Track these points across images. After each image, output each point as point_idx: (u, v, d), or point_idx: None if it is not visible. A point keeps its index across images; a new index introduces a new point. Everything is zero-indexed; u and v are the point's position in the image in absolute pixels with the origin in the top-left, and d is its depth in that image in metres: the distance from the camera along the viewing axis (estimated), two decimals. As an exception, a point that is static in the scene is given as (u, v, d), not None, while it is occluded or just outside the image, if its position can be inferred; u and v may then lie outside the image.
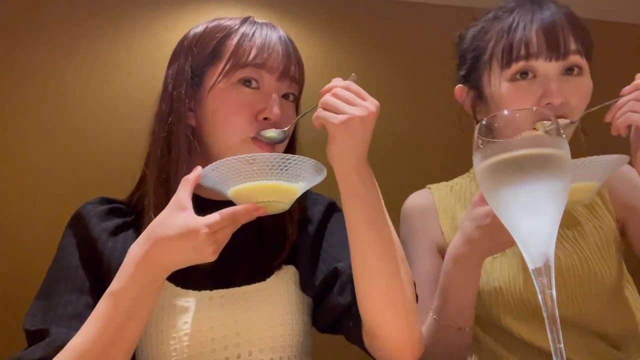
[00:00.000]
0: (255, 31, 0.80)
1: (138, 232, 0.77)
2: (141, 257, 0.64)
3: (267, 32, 0.80)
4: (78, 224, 0.81)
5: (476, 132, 0.54)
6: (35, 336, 0.71)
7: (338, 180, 0.73)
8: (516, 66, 0.82)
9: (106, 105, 2.06)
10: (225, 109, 0.78)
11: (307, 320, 0.85)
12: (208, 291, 0.78)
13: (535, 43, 0.81)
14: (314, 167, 0.68)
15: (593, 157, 0.70)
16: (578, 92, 0.83)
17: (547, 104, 0.80)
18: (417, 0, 2.48)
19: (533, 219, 0.51)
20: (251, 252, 0.84)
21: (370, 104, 0.68)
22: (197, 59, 0.80)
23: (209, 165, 0.66)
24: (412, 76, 2.41)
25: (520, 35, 0.82)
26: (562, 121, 0.79)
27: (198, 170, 0.68)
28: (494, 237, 0.75)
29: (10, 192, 1.92)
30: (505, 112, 0.55)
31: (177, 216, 0.64)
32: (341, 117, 0.67)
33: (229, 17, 0.84)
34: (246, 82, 0.78)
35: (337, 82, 0.70)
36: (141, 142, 0.89)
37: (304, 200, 0.89)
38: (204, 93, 0.79)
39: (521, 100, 0.82)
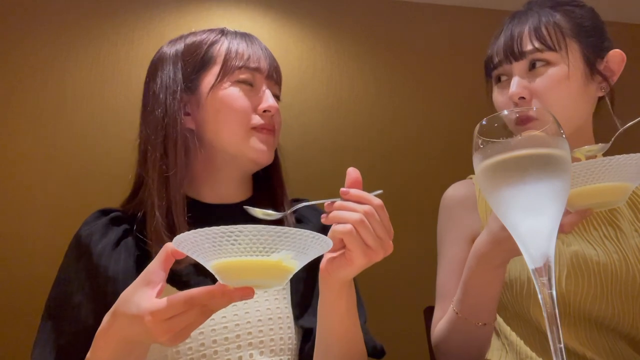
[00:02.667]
0: (239, 39, 0.91)
1: (136, 239, 0.81)
2: (107, 330, 0.60)
3: (249, 40, 0.92)
4: (79, 245, 0.82)
5: (476, 132, 0.54)
6: None
7: (324, 294, 0.72)
8: (494, 74, 0.98)
9: (106, 106, 2.07)
10: (229, 105, 0.86)
11: None
12: None
13: (496, 54, 0.96)
14: (303, 237, 0.51)
15: (626, 155, 0.66)
16: (541, 81, 0.91)
17: (512, 100, 0.91)
18: (419, 1, 2.48)
19: (533, 219, 0.51)
20: None
21: (390, 239, 0.66)
22: (188, 67, 0.87)
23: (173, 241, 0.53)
24: (413, 76, 2.41)
25: (491, 51, 0.98)
26: (600, 146, 0.81)
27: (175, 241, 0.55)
28: None
29: (9, 193, 1.93)
30: (505, 112, 0.55)
31: (138, 292, 0.57)
32: (371, 253, 0.64)
33: (202, 30, 0.93)
34: (243, 82, 0.88)
35: (372, 199, 0.65)
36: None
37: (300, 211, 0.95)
38: (202, 96, 0.86)
39: (500, 101, 0.96)
